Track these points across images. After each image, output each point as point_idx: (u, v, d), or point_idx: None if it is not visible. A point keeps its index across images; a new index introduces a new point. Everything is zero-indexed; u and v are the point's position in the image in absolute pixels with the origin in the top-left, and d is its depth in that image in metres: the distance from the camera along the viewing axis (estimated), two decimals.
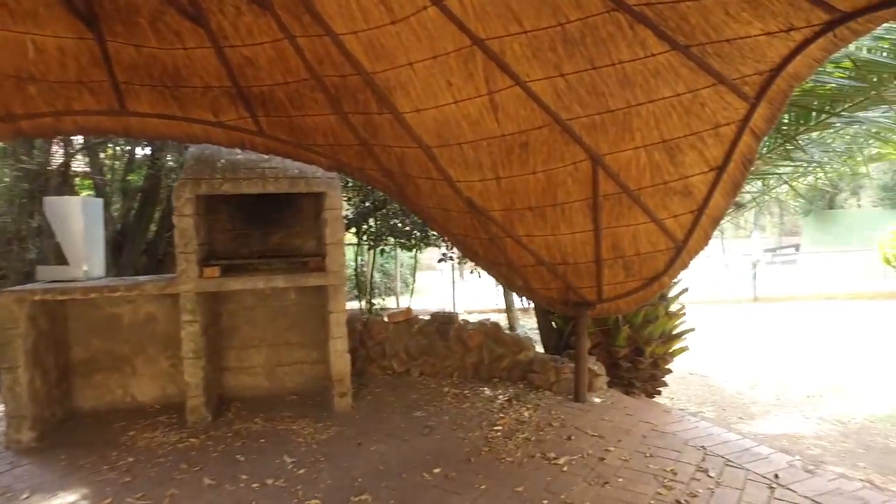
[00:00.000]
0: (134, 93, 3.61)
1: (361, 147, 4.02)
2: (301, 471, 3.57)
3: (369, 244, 6.70)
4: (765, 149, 4.28)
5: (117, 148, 7.58)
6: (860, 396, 6.42)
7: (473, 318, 12.97)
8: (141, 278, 4.83)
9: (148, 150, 7.20)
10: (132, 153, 7.52)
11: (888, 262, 11.26)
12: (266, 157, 4.58)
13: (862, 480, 4.40)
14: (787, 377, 7.30)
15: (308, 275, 4.72)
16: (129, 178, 7.25)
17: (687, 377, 7.33)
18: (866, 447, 5.04)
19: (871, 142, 4.81)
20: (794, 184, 5.56)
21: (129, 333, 4.84)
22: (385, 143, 3.87)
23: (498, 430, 4.15)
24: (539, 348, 5.96)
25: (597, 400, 4.72)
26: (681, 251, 4.14)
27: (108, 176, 7.28)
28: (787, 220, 27.72)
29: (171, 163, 7.05)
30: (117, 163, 7.69)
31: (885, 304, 13.58)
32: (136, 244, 7.33)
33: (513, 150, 3.56)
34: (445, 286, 14.93)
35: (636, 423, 4.18)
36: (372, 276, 7.67)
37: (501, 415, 4.46)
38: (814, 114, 3.89)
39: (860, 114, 3.85)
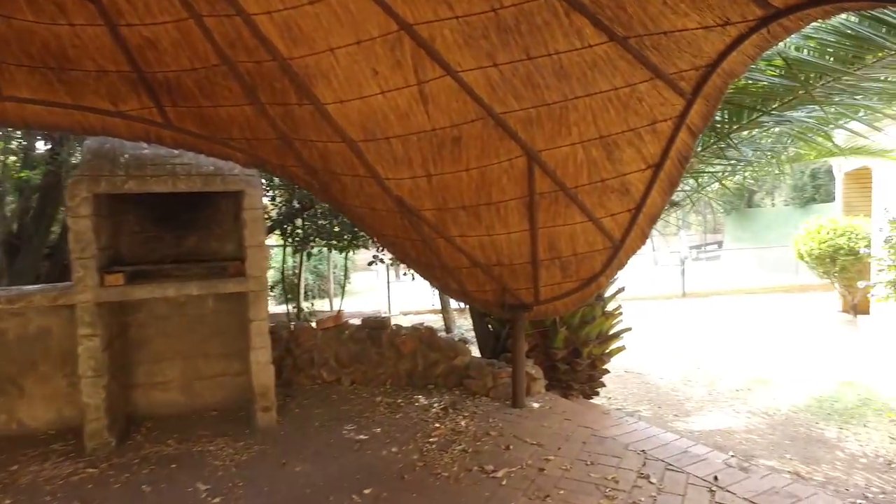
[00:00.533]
0: (8, 74, 3.13)
1: (281, 141, 3.69)
2: (216, 500, 3.22)
3: (295, 247, 6.32)
4: (699, 147, 4.29)
5: (14, 142, 6.84)
6: (783, 388, 6.64)
7: (410, 320, 12.75)
8: (29, 288, 4.29)
9: (48, 145, 6.52)
10: (30, 147, 6.80)
11: (801, 257, 11.86)
12: (176, 152, 4.16)
13: (790, 473, 4.50)
14: (717, 372, 7.48)
15: (226, 281, 4.34)
16: (24, 174, 6.53)
17: (623, 375, 7.37)
18: (791, 438, 5.16)
19: (793, 142, 4.94)
20: (724, 182, 5.66)
21: (16, 351, 4.27)
22: (306, 138, 3.57)
23: (433, 442, 3.93)
24: (475, 352, 5.80)
25: (535, 405, 4.59)
26: (618, 251, 4.06)
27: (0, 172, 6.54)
28: (711, 218, 29.05)
29: (75, 159, 6.41)
30: (12, 158, 6.94)
31: (797, 297, 14.37)
32: (35, 248, 6.64)
33: (444, 145, 3.35)
34: (381, 287, 14.61)
35: (576, 429, 4.07)
36: (300, 279, 7.27)
37: (437, 425, 4.24)
38: (746, 112, 3.91)
39: (789, 113, 3.91)
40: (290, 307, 7.45)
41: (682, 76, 2.97)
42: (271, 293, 17.11)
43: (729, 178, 5.59)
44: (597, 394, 5.73)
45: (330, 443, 4.02)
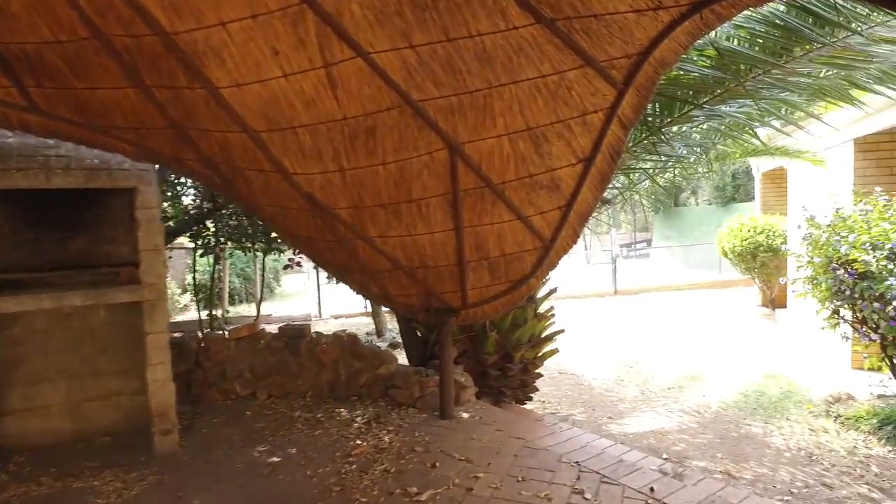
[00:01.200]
0: None
1: (174, 131, 3.24)
2: None
3: (203, 250, 5.80)
4: (631, 141, 4.16)
5: None
6: (712, 384, 6.71)
7: (341, 323, 12.25)
8: None
9: None
10: None
11: (725, 254, 12.26)
12: (52, 142, 3.62)
13: (722, 473, 4.45)
14: (649, 370, 7.50)
15: (117, 289, 3.83)
16: None
17: (558, 377, 7.26)
18: (721, 437, 5.16)
19: (722, 139, 4.94)
20: (656, 179, 5.62)
21: None
22: (202, 127, 3.14)
23: (353, 462, 3.58)
24: (403, 359, 5.49)
25: (465, 415, 4.33)
26: (549, 250, 3.85)
27: None
28: (640, 216, 29.97)
29: None
30: None
31: (720, 293, 14.93)
32: None
33: (358, 136, 3.01)
34: (312, 290, 14.04)
35: (507, 441, 3.83)
36: (213, 283, 6.72)
37: (359, 442, 3.90)
38: (678, 105, 3.80)
39: (720, 107, 3.83)
40: (206, 314, 6.85)
41: (614, 64, 2.77)
42: (195, 298, 16.22)
43: (660, 176, 5.54)
44: (530, 399, 5.55)
45: (238, 468, 3.60)
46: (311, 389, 4.86)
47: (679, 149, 4.38)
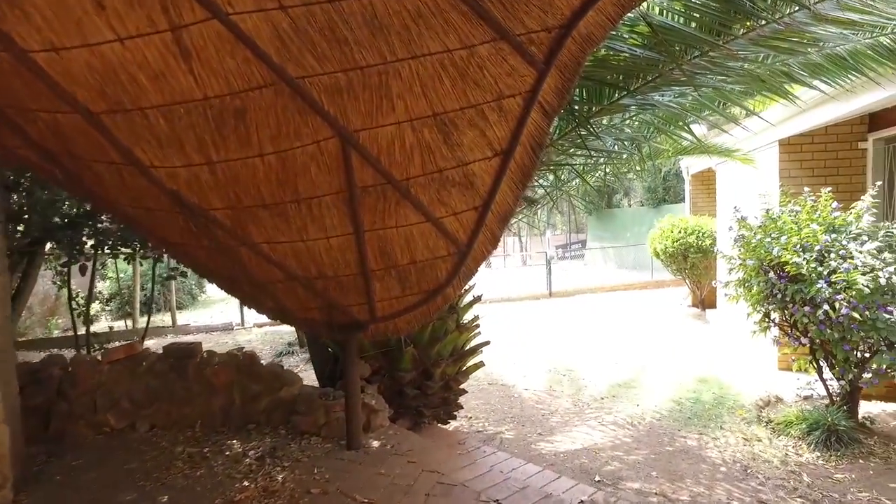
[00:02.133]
0: None
1: None
2: None
3: (69, 259, 5.01)
4: (556, 133, 3.77)
5: None
6: (645, 392, 6.49)
7: (264, 332, 11.45)
8: None
9: None
10: None
11: (657, 254, 12.29)
12: None
13: (657, 496, 4.13)
14: (582, 378, 7.22)
15: None
16: None
17: (487, 389, 6.86)
18: (656, 452, 4.88)
19: (655, 134, 4.66)
20: (586, 178, 5.28)
21: None
22: (23, 105, 2.49)
23: None
24: (313, 378, 4.91)
25: (375, 443, 3.82)
26: (465, 257, 3.39)
27: None
28: (574, 218, 30.35)
29: None
30: None
31: (653, 293, 15.08)
32: None
33: (225, 121, 2.44)
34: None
35: (419, 476, 3.34)
36: (90, 297, 5.87)
37: (246, 483, 3.32)
38: (608, 90, 3.40)
39: (653, 95, 3.48)
40: (85, 331, 5.99)
41: (532, 39, 2.33)
42: (105, 308, 14.90)
43: (590, 174, 5.19)
44: (453, 417, 5.09)
45: None
46: (202, 418, 4.22)
47: (610, 143, 4.02)
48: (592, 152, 4.07)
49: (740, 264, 5.54)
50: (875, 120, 6.84)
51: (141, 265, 11.63)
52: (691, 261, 11.32)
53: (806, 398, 6.13)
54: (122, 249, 5.12)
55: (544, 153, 2.93)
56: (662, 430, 5.32)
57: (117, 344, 4.97)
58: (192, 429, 4.19)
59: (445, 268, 3.51)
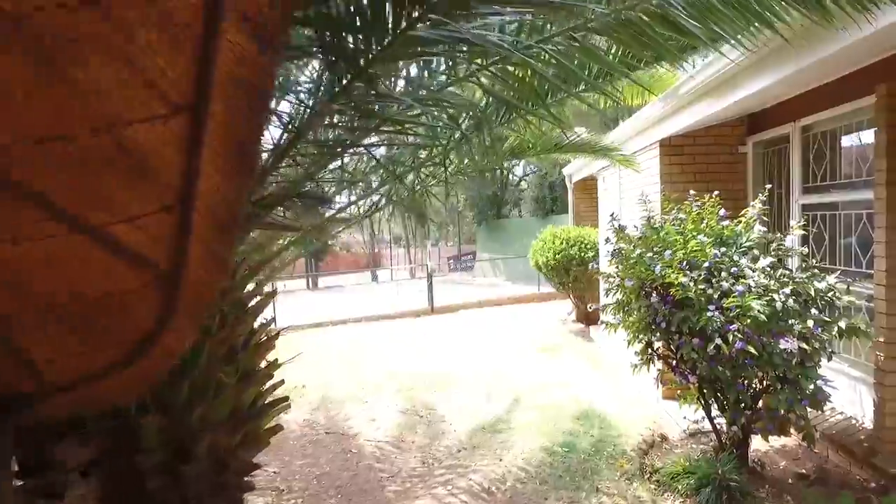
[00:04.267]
0: None
1: None
2: None
3: None
4: (316, 89, 2.26)
5: None
6: (514, 437, 5.37)
7: None
8: None
9: None
10: None
11: (539, 267, 11.47)
12: None
13: None
14: (442, 418, 6.00)
15: None
16: None
17: (322, 440, 5.42)
18: None
19: (506, 118, 3.54)
20: (399, 164, 3.95)
21: None
22: None
23: None
24: None
25: None
26: (175, 285, 1.98)
27: None
28: (461, 229, 29.72)
29: None
30: None
31: (539, 307, 14.38)
32: None
33: None
34: None
35: None
36: None
37: None
38: (390, 10, 2.01)
39: (470, 26, 2.19)
40: None
41: None
42: None
43: (429, 166, 3.76)
44: None
45: None
46: None
47: (409, 104, 2.47)
48: (393, 121, 2.68)
49: (618, 285, 4.56)
50: (754, 122, 6.26)
51: None
52: (573, 274, 10.60)
53: (693, 435, 5.30)
54: None
55: (271, 103, 1.61)
56: (527, 498, 4.17)
57: None
58: None
59: (146, 305, 2.04)
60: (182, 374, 3.35)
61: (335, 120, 2.57)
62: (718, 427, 4.50)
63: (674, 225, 4.40)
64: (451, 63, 2.44)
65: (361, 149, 2.99)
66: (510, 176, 25.59)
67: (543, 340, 9.83)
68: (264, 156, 2.35)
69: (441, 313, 14.30)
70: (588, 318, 11.06)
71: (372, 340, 10.70)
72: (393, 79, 2.29)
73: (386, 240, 33.82)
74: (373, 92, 2.09)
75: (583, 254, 10.57)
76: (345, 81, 1.95)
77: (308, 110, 2.06)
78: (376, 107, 2.33)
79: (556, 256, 10.75)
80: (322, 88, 2.00)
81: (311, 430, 5.84)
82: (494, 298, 15.79)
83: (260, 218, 3.26)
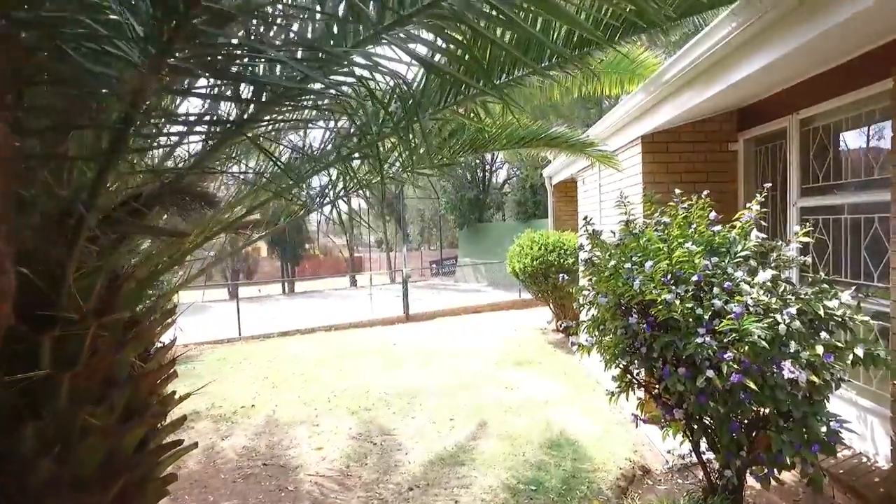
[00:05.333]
0: None
1: None
2: None
3: None
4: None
5: None
6: (476, 469, 4.68)
7: None
8: None
9: None
10: None
11: (516, 274, 10.80)
12: None
13: None
14: (397, 445, 5.30)
15: None
16: None
17: (256, 475, 4.68)
18: None
19: (453, 98, 2.88)
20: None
21: None
22: None
23: None
24: None
25: None
26: None
27: None
28: (442, 232, 28.99)
29: None
30: None
31: (519, 314, 13.72)
32: None
33: None
34: None
35: None
36: None
37: None
38: None
39: None
40: None
41: None
42: None
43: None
44: None
45: None
46: None
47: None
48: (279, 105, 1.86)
49: (591, 301, 3.91)
50: (745, 116, 5.66)
51: None
52: (553, 281, 9.95)
53: (679, 471, 4.67)
54: None
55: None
56: None
57: None
58: None
59: None
60: (23, 418, 2.55)
61: (186, 84, 1.89)
62: (708, 465, 3.86)
63: (656, 231, 3.75)
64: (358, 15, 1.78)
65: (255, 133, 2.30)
66: (493, 179, 24.98)
67: (520, 353, 9.17)
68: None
69: (417, 321, 13.60)
70: (567, 331, 10.41)
71: (337, 351, 9.96)
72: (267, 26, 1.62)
73: (366, 243, 33.02)
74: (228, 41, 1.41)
75: (562, 260, 9.95)
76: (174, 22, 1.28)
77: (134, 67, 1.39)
78: (240, 65, 1.64)
79: (535, 263, 10.10)
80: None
81: (249, 460, 5.11)
82: (473, 305, 15.12)
83: (127, 224, 2.53)
